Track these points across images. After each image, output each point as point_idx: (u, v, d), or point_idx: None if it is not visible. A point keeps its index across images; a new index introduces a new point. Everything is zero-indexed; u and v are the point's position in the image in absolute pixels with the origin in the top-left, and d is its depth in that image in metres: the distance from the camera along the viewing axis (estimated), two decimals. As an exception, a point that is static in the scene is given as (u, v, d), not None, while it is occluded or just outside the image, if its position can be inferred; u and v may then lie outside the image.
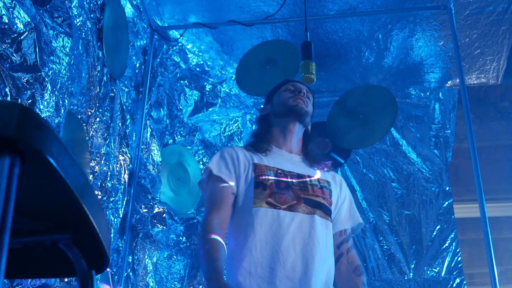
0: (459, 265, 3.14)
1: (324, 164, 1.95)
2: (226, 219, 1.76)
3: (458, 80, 3.21)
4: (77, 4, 1.98)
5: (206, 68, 3.26)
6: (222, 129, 3.34)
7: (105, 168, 2.21)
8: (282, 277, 1.63)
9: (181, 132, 3.09)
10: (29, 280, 1.64)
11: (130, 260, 2.54)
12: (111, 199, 2.27)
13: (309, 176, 1.84)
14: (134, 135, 2.62)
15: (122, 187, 2.42)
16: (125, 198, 2.46)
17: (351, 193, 2.00)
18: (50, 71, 1.72)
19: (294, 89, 1.99)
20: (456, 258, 3.16)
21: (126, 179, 2.48)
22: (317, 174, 1.88)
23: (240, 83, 2.97)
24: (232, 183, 1.79)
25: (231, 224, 1.80)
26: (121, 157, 2.44)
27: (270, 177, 1.78)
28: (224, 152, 1.89)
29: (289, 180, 1.79)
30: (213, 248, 1.63)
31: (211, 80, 3.29)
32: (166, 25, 2.97)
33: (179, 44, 3.09)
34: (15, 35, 1.56)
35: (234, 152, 1.87)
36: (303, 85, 2.02)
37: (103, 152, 2.19)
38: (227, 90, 3.36)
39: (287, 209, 1.72)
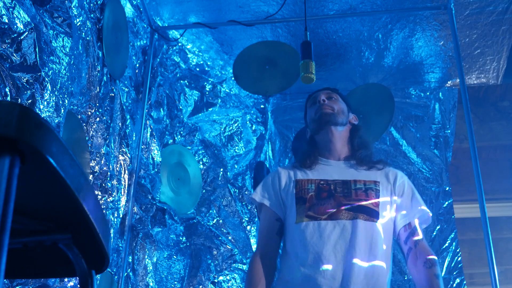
0: (459, 265, 3.14)
1: (374, 163, 1.94)
2: (272, 250, 1.85)
3: (458, 80, 3.22)
4: (77, 4, 1.98)
5: (206, 68, 3.26)
6: (222, 129, 3.34)
7: (105, 168, 2.21)
8: (322, 286, 1.65)
9: (181, 132, 3.09)
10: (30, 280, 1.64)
11: (130, 260, 2.54)
12: (111, 199, 2.27)
13: (355, 181, 1.84)
14: (134, 135, 2.62)
15: (122, 187, 2.42)
16: (125, 198, 2.46)
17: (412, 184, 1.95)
18: (50, 71, 1.72)
19: (314, 102, 2.04)
20: (456, 258, 3.16)
21: (126, 179, 2.48)
22: (365, 176, 1.87)
23: (237, 78, 2.99)
24: (275, 207, 1.87)
25: (283, 242, 1.89)
26: (121, 157, 2.44)
27: (310, 190, 1.82)
28: (268, 177, 1.97)
29: (332, 189, 1.81)
30: (251, 282, 1.77)
31: (211, 80, 3.29)
32: (166, 25, 2.97)
33: (179, 44, 3.09)
34: (15, 35, 1.56)
35: (277, 174, 1.94)
36: (321, 92, 2.06)
37: (103, 152, 2.19)
38: (227, 90, 3.36)
39: (327, 218, 1.75)
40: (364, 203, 1.78)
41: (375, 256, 1.73)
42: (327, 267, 1.67)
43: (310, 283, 1.67)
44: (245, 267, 3.08)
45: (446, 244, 3.18)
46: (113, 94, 2.36)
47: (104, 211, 2.20)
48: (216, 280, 2.99)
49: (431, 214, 1.92)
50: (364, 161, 1.92)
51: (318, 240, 1.71)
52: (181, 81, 3.14)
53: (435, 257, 1.79)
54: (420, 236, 1.83)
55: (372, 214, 1.78)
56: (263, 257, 1.81)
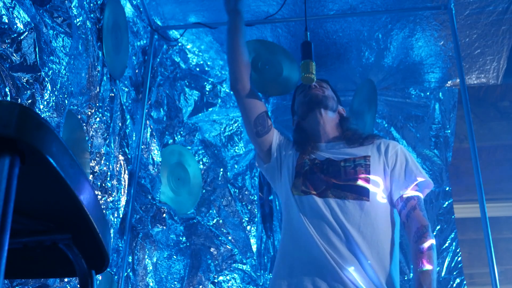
0: (459, 265, 3.14)
1: (364, 139, 1.91)
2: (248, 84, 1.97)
3: (458, 80, 3.21)
4: (77, 4, 1.98)
5: (206, 68, 3.26)
6: (222, 129, 3.34)
7: (105, 168, 2.21)
8: (313, 260, 1.69)
9: (181, 132, 3.09)
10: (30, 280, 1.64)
11: (130, 260, 2.54)
12: (111, 199, 2.27)
13: (345, 160, 1.83)
14: (134, 135, 2.62)
15: (122, 187, 2.41)
16: (125, 198, 2.46)
17: (407, 153, 1.88)
18: (50, 71, 1.72)
19: (304, 88, 2.06)
20: (456, 258, 3.16)
21: (126, 179, 2.48)
22: (355, 153, 1.85)
23: None
24: (275, 133, 1.99)
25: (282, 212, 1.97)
26: (121, 157, 2.44)
27: (305, 165, 1.85)
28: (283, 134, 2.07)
29: (324, 168, 1.83)
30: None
31: (211, 80, 3.29)
32: (166, 25, 2.97)
33: (179, 44, 3.09)
34: (15, 35, 1.56)
35: (290, 141, 2.02)
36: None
37: (103, 152, 2.19)
38: (227, 90, 3.36)
39: (317, 195, 1.77)
40: (352, 182, 1.76)
41: (370, 235, 1.70)
42: (318, 240, 1.69)
43: (305, 255, 1.71)
44: (245, 267, 3.08)
45: (446, 244, 3.18)
46: (113, 94, 2.36)
47: (104, 211, 2.20)
48: (216, 280, 2.99)
49: (430, 181, 1.83)
50: (353, 139, 1.90)
51: (309, 214, 1.75)
52: (181, 81, 3.13)
53: (426, 224, 1.70)
54: (412, 206, 1.74)
55: (362, 192, 1.74)
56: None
